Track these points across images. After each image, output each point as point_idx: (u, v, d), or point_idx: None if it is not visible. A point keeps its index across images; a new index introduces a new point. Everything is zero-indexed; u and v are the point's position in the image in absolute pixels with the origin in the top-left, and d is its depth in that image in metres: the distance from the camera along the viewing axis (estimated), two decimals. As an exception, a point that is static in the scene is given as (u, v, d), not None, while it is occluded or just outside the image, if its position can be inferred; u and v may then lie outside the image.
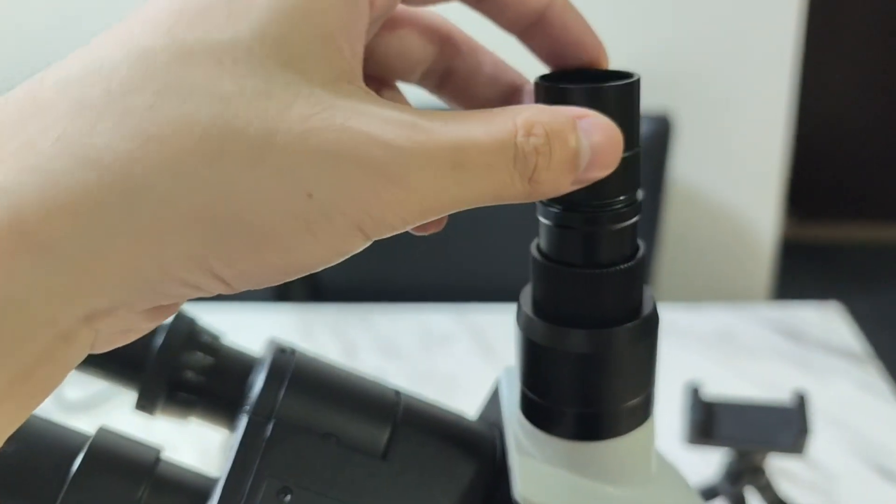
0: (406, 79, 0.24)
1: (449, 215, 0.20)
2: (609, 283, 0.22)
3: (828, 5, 2.07)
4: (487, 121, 0.18)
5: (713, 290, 1.24)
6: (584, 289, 0.22)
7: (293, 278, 0.18)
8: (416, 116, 0.17)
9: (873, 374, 0.89)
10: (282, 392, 0.24)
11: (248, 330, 0.28)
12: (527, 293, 0.24)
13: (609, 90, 0.20)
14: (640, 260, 0.22)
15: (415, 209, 0.17)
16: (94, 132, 0.15)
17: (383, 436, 0.24)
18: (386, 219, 0.17)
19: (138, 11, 0.17)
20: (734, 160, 1.18)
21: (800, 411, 0.53)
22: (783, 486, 0.69)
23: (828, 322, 0.98)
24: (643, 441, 0.24)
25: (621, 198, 0.21)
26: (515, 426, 0.25)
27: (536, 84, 0.21)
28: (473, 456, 0.25)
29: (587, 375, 0.22)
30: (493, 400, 0.28)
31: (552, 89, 0.20)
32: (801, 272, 2.20)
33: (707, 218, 1.21)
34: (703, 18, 1.09)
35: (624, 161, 0.19)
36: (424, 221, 0.18)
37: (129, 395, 0.27)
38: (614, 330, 0.22)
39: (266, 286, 0.17)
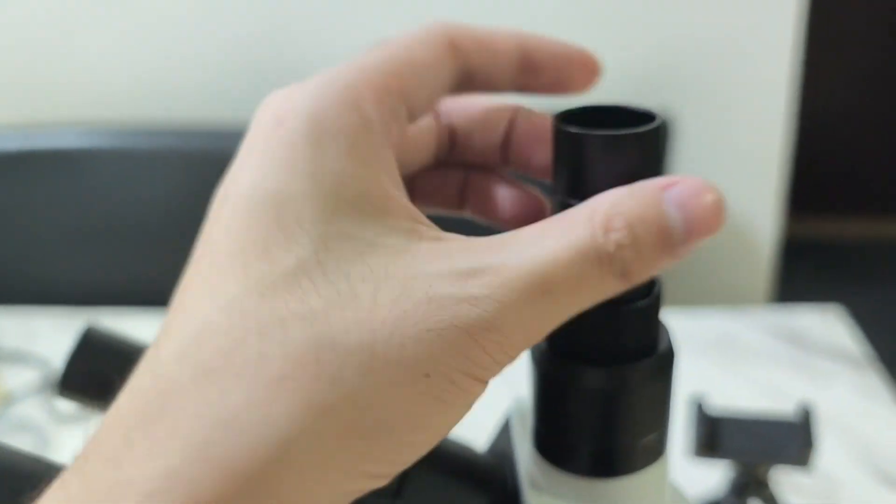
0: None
1: (441, 221, 0.20)
2: (625, 320, 0.21)
3: (829, 2, 2.07)
4: (563, 231, 0.18)
5: (713, 291, 1.24)
6: (600, 326, 0.21)
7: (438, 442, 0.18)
8: (490, 253, 0.17)
9: (875, 378, 0.88)
10: None
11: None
12: None
13: (630, 138, 0.19)
14: (657, 296, 0.22)
15: (520, 342, 0.18)
16: (224, 395, 0.16)
17: None
18: (497, 360, 0.18)
19: (203, 256, 0.18)
20: (734, 161, 1.17)
21: (805, 425, 0.52)
22: (785, 492, 0.68)
23: (829, 325, 0.98)
24: (657, 477, 0.24)
25: None
26: (528, 461, 0.24)
27: (553, 125, 0.20)
28: (485, 491, 0.25)
29: (603, 412, 0.22)
30: (504, 432, 0.27)
31: (567, 134, 0.19)
32: (800, 269, 2.20)
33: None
34: (703, 17, 1.08)
35: None
36: (532, 346, 0.19)
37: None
38: (630, 367, 0.21)
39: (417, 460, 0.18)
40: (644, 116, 0.20)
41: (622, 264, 0.17)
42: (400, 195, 0.19)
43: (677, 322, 0.96)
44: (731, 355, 0.92)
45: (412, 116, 0.21)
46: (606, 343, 0.21)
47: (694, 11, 1.08)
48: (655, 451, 0.23)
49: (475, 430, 0.31)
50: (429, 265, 0.17)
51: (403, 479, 0.24)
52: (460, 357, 0.17)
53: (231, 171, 0.19)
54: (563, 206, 0.20)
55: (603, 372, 0.21)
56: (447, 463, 0.25)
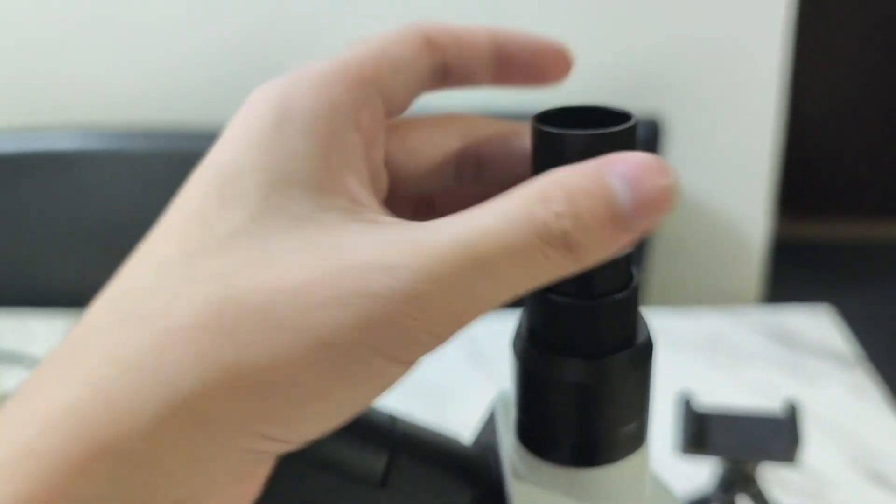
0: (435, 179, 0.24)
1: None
2: (604, 313, 0.22)
3: (819, 4, 2.08)
4: (498, 204, 0.17)
5: (705, 291, 1.25)
6: (579, 319, 0.22)
7: (352, 417, 0.18)
8: (420, 228, 0.17)
9: (865, 377, 0.89)
10: None
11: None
12: (522, 321, 0.24)
13: (606, 137, 0.20)
14: (635, 289, 0.22)
15: (446, 322, 0.17)
16: (128, 340, 0.17)
17: (381, 463, 0.24)
18: (417, 340, 0.17)
19: (155, 227, 0.19)
20: (725, 162, 1.18)
21: (791, 421, 0.53)
22: (775, 492, 0.69)
23: (819, 325, 0.99)
24: (638, 466, 0.24)
25: None
26: (512, 452, 0.25)
27: (532, 125, 0.21)
28: (470, 482, 0.25)
29: (583, 404, 0.22)
30: (489, 424, 0.28)
31: (545, 134, 0.20)
32: (791, 270, 2.21)
33: (698, 221, 1.22)
34: (693, 19, 1.09)
35: None
36: (464, 328, 0.17)
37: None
38: (609, 359, 0.22)
39: (328, 432, 0.18)
40: (621, 116, 0.21)
41: (564, 235, 0.17)
42: (352, 177, 0.19)
43: (669, 322, 0.97)
44: (722, 355, 0.93)
45: (391, 106, 0.22)
46: (585, 335, 0.22)
47: (685, 14, 1.08)
48: (636, 440, 0.24)
49: (460, 422, 0.32)
50: (357, 238, 0.17)
51: (388, 469, 0.24)
52: (366, 330, 0.16)
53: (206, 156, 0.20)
54: None
55: (582, 364, 0.22)
56: (432, 454, 0.25)
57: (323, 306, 0.16)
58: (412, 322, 0.16)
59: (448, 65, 0.23)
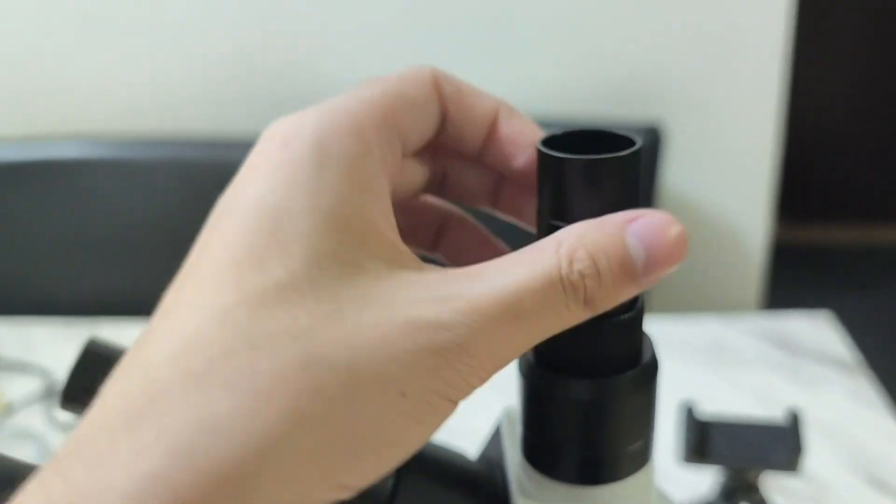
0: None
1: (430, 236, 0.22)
2: (610, 333, 0.22)
3: (817, 8, 2.09)
4: (532, 261, 0.19)
5: (705, 297, 1.25)
6: (585, 339, 0.22)
7: (408, 458, 0.19)
8: (464, 281, 0.19)
9: (864, 383, 0.89)
10: None
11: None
12: None
13: (609, 162, 0.20)
14: (641, 309, 0.23)
15: (491, 366, 0.19)
16: (211, 402, 0.17)
17: (388, 481, 0.25)
18: (469, 383, 0.19)
19: (198, 263, 0.19)
20: (725, 168, 1.18)
21: (793, 430, 0.53)
22: (776, 497, 0.69)
23: (819, 331, 0.99)
24: (643, 484, 0.24)
25: None
26: (518, 469, 0.25)
27: (537, 150, 0.21)
28: (477, 498, 0.26)
29: (588, 423, 0.23)
30: (495, 440, 0.28)
31: (550, 159, 0.20)
32: (790, 275, 2.21)
33: (698, 227, 1.22)
34: (692, 24, 1.09)
35: None
36: (502, 370, 0.19)
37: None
38: (615, 379, 0.22)
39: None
40: (625, 141, 0.21)
41: (586, 293, 0.19)
42: (388, 222, 0.20)
43: (669, 328, 0.97)
44: (722, 361, 0.93)
45: (405, 149, 0.22)
46: (591, 355, 0.22)
47: (683, 19, 1.09)
48: (641, 458, 0.24)
49: (467, 438, 0.32)
50: (409, 291, 0.19)
51: (397, 485, 0.24)
52: (434, 378, 0.18)
53: (233, 186, 0.20)
54: (549, 227, 0.21)
55: (588, 383, 0.22)
56: (440, 470, 0.26)
57: (399, 360, 0.18)
58: (467, 368, 0.18)
59: (446, 118, 0.23)
